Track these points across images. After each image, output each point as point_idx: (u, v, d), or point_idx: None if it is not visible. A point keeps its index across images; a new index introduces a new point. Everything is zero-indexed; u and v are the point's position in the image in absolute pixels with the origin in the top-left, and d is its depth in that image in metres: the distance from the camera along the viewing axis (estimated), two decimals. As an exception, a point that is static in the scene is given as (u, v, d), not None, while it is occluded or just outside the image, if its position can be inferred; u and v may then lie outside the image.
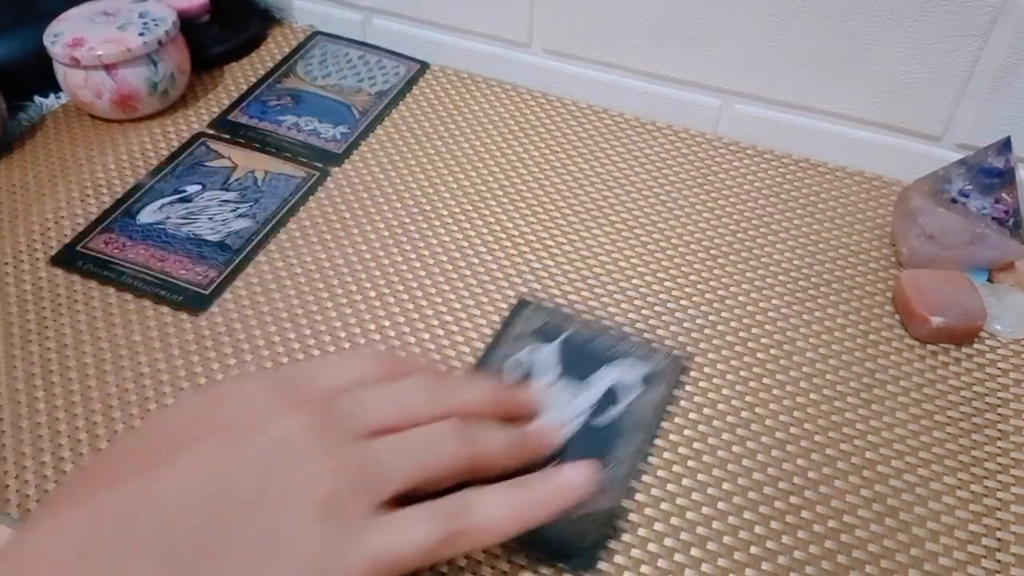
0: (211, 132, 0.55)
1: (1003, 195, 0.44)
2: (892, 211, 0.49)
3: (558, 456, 0.34)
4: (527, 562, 0.34)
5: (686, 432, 0.39)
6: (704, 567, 0.34)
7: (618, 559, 0.34)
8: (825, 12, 0.49)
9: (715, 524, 0.35)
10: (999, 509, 0.36)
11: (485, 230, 0.48)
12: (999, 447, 0.38)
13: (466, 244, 0.48)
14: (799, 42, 0.50)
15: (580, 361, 0.39)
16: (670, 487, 0.36)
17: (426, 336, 0.42)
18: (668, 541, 0.35)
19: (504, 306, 0.44)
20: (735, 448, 0.38)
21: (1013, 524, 0.35)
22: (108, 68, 0.52)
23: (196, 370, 0.41)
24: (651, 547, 0.34)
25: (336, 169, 0.52)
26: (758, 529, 0.35)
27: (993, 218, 0.44)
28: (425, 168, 0.53)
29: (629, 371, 0.38)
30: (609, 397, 0.37)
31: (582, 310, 0.44)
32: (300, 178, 0.51)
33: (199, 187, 0.50)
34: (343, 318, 0.43)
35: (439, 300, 0.44)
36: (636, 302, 0.44)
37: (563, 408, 0.36)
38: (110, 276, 0.45)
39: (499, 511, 0.29)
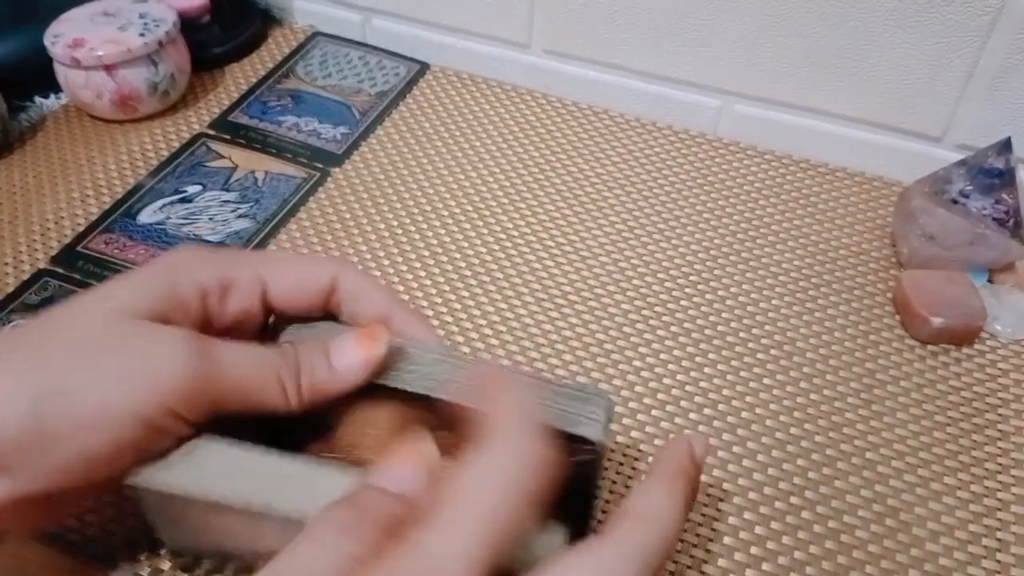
0: (211, 132, 0.55)
1: (1003, 195, 0.44)
2: (892, 211, 0.49)
3: None
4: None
5: (686, 432, 0.39)
6: (705, 567, 0.34)
7: (618, 559, 0.34)
8: (825, 12, 0.49)
9: (716, 525, 0.35)
10: (999, 509, 0.36)
11: (485, 230, 0.48)
12: (999, 447, 0.38)
13: (466, 244, 0.48)
14: (799, 42, 0.50)
15: None
16: (670, 487, 0.36)
17: (426, 336, 0.42)
18: (668, 541, 0.35)
19: (505, 306, 0.44)
20: (735, 448, 0.38)
21: (1013, 524, 0.35)
22: (108, 69, 0.52)
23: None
24: (651, 547, 0.34)
25: (336, 169, 0.52)
26: (758, 530, 0.35)
27: (993, 218, 0.44)
28: (425, 168, 0.53)
29: None
30: None
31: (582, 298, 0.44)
32: (300, 178, 0.51)
33: (199, 187, 0.50)
34: (343, 318, 0.43)
35: (439, 300, 0.44)
36: (636, 302, 0.44)
37: None
38: (110, 276, 0.45)
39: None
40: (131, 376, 0.26)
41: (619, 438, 0.38)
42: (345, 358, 0.28)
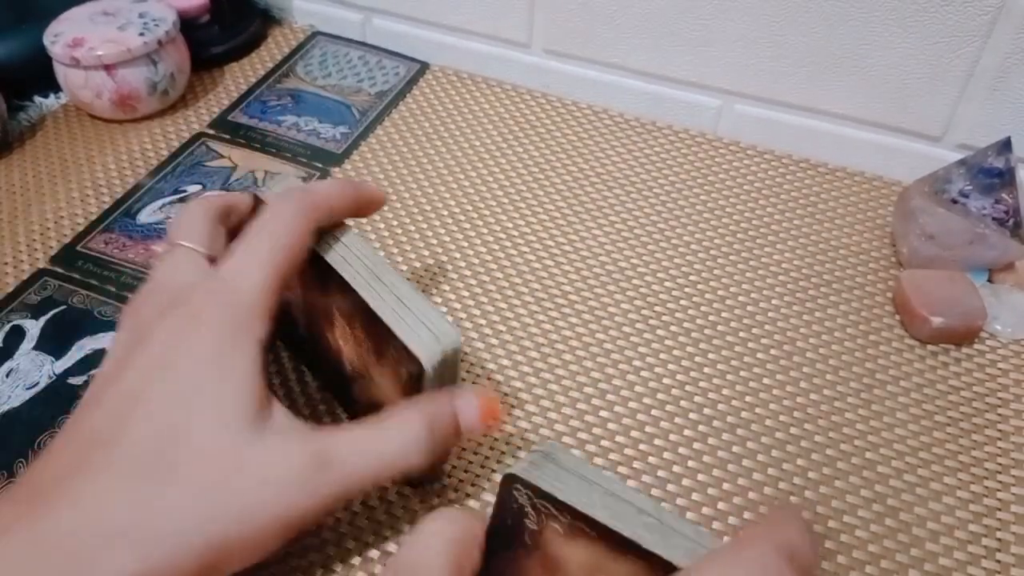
0: (211, 132, 0.55)
1: (1003, 195, 0.44)
2: (892, 211, 0.49)
3: None
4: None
5: (686, 432, 0.39)
6: (704, 567, 0.34)
7: (618, 559, 0.34)
8: (825, 12, 0.49)
9: (715, 525, 0.35)
10: (999, 509, 0.36)
11: (485, 230, 0.48)
12: (999, 447, 0.38)
13: (466, 244, 0.48)
14: (799, 42, 0.50)
15: (62, 333, 0.42)
16: (670, 487, 0.36)
17: (426, 336, 0.42)
18: (668, 541, 0.35)
19: (505, 306, 0.44)
20: (735, 448, 0.38)
21: (1013, 524, 0.35)
22: (108, 68, 0.52)
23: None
24: (651, 547, 0.34)
25: (336, 169, 0.52)
26: (758, 529, 0.35)
27: (993, 218, 0.44)
28: (425, 168, 0.53)
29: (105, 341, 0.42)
30: (85, 364, 0.40)
31: (578, 304, 0.44)
32: (300, 178, 0.51)
33: (199, 187, 0.50)
34: (343, 318, 0.43)
35: (439, 300, 0.44)
36: (636, 302, 0.44)
37: (32, 372, 0.40)
38: (110, 276, 0.45)
39: None
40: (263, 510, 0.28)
41: (619, 438, 0.38)
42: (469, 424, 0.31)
